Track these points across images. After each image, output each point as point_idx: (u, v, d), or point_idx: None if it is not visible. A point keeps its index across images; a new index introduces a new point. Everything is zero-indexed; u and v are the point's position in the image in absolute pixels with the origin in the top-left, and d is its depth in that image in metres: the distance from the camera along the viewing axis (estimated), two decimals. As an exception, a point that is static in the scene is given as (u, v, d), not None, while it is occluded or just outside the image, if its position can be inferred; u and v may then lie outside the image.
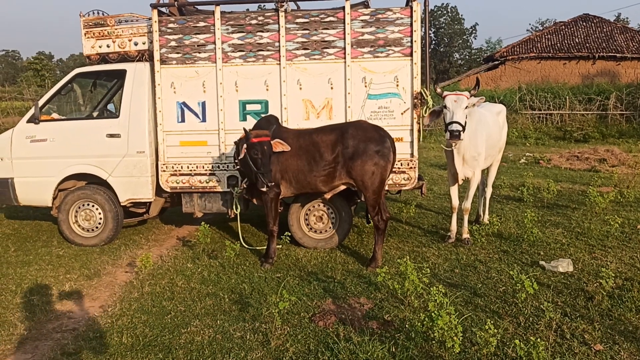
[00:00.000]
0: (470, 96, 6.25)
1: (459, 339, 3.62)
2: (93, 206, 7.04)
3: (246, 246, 6.75)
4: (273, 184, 5.81)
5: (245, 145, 5.80)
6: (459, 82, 28.94)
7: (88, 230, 7.10)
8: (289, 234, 6.46)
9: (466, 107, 6.15)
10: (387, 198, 8.77)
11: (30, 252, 6.83)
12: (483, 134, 6.68)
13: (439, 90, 6.49)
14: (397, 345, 4.01)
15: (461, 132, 6.06)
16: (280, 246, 6.62)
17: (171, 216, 8.62)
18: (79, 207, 7.06)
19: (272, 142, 5.79)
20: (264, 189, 5.80)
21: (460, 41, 62.67)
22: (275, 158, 5.99)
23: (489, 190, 7.91)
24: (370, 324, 4.45)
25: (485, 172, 7.65)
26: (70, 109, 9.51)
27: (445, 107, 6.23)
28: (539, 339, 3.51)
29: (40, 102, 7.06)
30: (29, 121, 7.02)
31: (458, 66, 60.45)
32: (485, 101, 7.15)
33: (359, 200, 6.87)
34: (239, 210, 6.68)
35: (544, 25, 55.51)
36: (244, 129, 5.85)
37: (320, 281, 5.52)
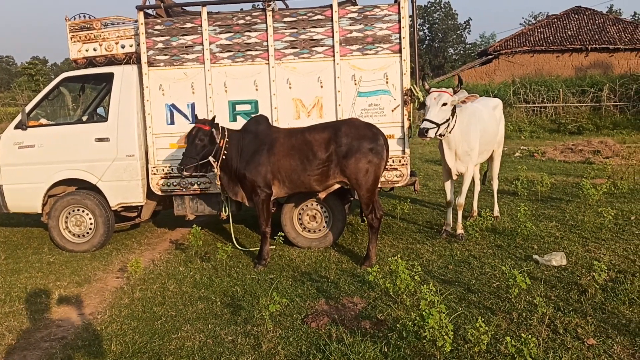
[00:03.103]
0: (454, 93, 6.24)
1: (450, 337, 3.59)
2: (83, 211, 6.97)
3: (239, 248, 6.70)
4: (183, 169, 5.86)
5: None
6: (453, 78, 28.91)
7: (79, 236, 7.03)
8: (283, 234, 6.41)
9: (444, 105, 6.13)
10: (381, 195, 8.73)
11: (21, 259, 6.77)
12: (477, 129, 6.65)
13: (426, 86, 6.48)
14: (390, 345, 3.97)
15: (430, 130, 6.07)
16: (274, 247, 6.58)
17: (164, 219, 8.56)
18: (69, 213, 7.00)
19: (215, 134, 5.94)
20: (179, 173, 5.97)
21: (454, 36, 62.74)
22: (266, 158, 5.96)
23: (495, 183, 8.02)
24: (363, 324, 4.41)
25: (483, 166, 7.64)
26: (64, 113, 9.44)
27: (424, 103, 6.25)
28: (530, 335, 3.47)
29: (27, 108, 7.00)
30: (16, 127, 6.95)
31: (453, 61, 60.47)
32: (480, 96, 7.18)
33: (352, 199, 6.83)
34: (228, 211, 6.63)
35: (537, 19, 55.49)
36: (195, 116, 6.42)
37: (314, 281, 5.48)
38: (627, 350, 3.78)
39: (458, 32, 62.94)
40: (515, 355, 3.42)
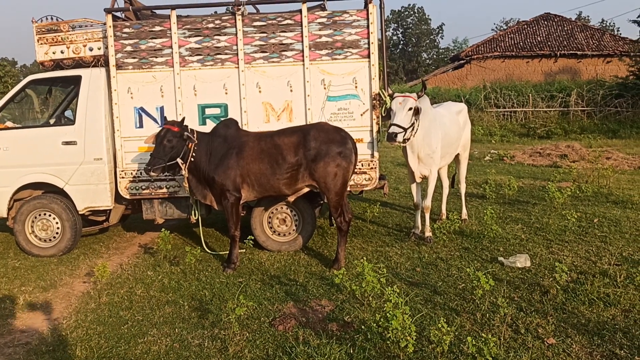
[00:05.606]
0: (418, 98, 6.34)
1: (412, 338, 3.65)
2: (50, 216, 6.87)
3: (208, 251, 6.68)
4: (150, 169, 5.88)
5: None
6: (427, 82, 29.23)
7: (45, 241, 6.92)
8: (252, 237, 6.42)
9: (410, 109, 6.24)
10: (351, 198, 8.81)
11: (-15, 264, 6.65)
12: (438, 132, 6.76)
13: (390, 91, 6.59)
14: (355, 346, 4.01)
15: (399, 134, 6.18)
16: (244, 250, 6.57)
17: (133, 223, 8.48)
18: (36, 217, 6.88)
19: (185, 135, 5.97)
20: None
21: (428, 41, 63.31)
22: (235, 162, 5.97)
23: (462, 187, 8.12)
24: (330, 326, 4.45)
25: (452, 169, 7.73)
26: (31, 116, 9.29)
27: (390, 109, 6.34)
28: (491, 335, 3.55)
29: (-8, 111, 6.88)
30: (-19, 130, 6.82)
31: (426, 66, 61.03)
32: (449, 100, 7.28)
33: (322, 202, 6.88)
34: (198, 215, 6.61)
35: (508, 25, 56.43)
36: (164, 119, 6.47)
37: (283, 284, 5.50)
38: (585, 349, 3.89)
39: (431, 36, 63.56)
40: (476, 355, 3.50)
